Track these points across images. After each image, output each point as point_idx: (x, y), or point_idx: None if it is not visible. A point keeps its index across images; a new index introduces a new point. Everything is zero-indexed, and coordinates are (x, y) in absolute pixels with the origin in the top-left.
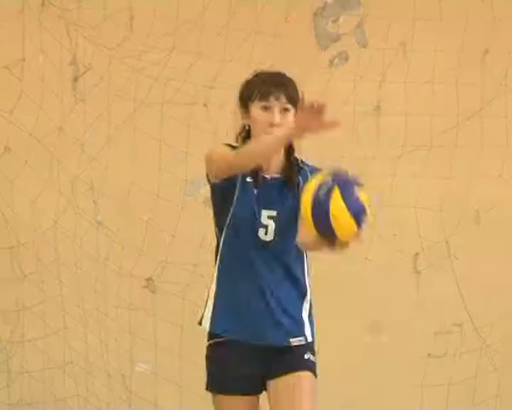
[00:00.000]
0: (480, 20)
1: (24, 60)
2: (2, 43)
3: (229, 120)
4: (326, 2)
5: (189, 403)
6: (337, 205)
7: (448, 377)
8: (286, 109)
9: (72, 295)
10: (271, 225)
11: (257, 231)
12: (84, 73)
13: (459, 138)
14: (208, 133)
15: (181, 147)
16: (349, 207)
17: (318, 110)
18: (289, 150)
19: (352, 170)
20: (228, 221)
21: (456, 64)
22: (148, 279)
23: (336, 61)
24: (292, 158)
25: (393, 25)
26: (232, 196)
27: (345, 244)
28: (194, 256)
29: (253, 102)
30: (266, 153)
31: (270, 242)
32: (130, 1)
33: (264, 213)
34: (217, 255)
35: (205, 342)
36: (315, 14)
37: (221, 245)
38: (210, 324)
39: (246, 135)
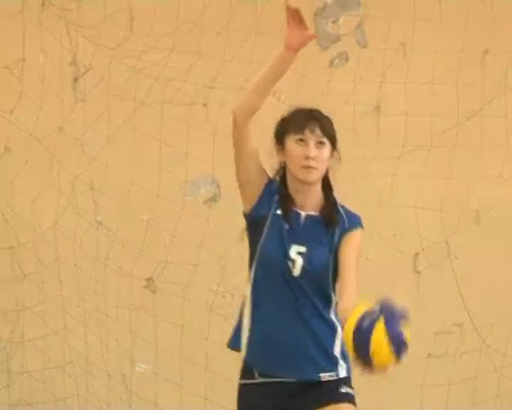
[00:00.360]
0: (480, 21)
1: (24, 60)
2: (2, 44)
3: (228, 120)
4: (326, 3)
5: (189, 403)
6: (379, 338)
7: (448, 377)
8: (321, 143)
9: (73, 295)
10: (299, 261)
11: (286, 264)
12: (85, 73)
13: (459, 138)
14: (208, 133)
15: (181, 147)
16: (390, 342)
17: (298, 17)
18: (328, 189)
19: (351, 170)
20: (257, 253)
21: (456, 64)
22: (149, 279)
23: (336, 61)
24: (331, 198)
25: (393, 25)
26: (262, 228)
27: (381, 371)
28: (194, 256)
29: (288, 136)
30: (271, 76)
31: (297, 277)
32: (130, 1)
33: (294, 248)
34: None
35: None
36: (315, 15)
37: (252, 277)
38: (245, 356)
39: (283, 173)
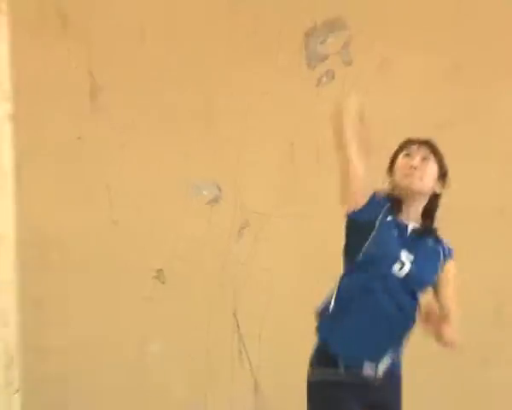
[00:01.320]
0: (463, 36)
1: (38, 72)
2: (20, 58)
3: (230, 120)
4: (316, 23)
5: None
6: None
7: None
8: (426, 159)
9: (80, 286)
10: (407, 265)
11: (392, 266)
12: (98, 85)
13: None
14: (209, 135)
15: (181, 147)
16: None
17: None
18: (427, 217)
19: None
20: (360, 256)
21: (441, 79)
22: (159, 270)
23: (324, 79)
24: (429, 225)
25: (376, 43)
26: (368, 234)
27: None
28: (195, 255)
29: (397, 157)
30: None
31: (400, 279)
32: (140, 14)
33: (404, 253)
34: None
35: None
36: (306, 35)
37: (344, 277)
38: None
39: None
